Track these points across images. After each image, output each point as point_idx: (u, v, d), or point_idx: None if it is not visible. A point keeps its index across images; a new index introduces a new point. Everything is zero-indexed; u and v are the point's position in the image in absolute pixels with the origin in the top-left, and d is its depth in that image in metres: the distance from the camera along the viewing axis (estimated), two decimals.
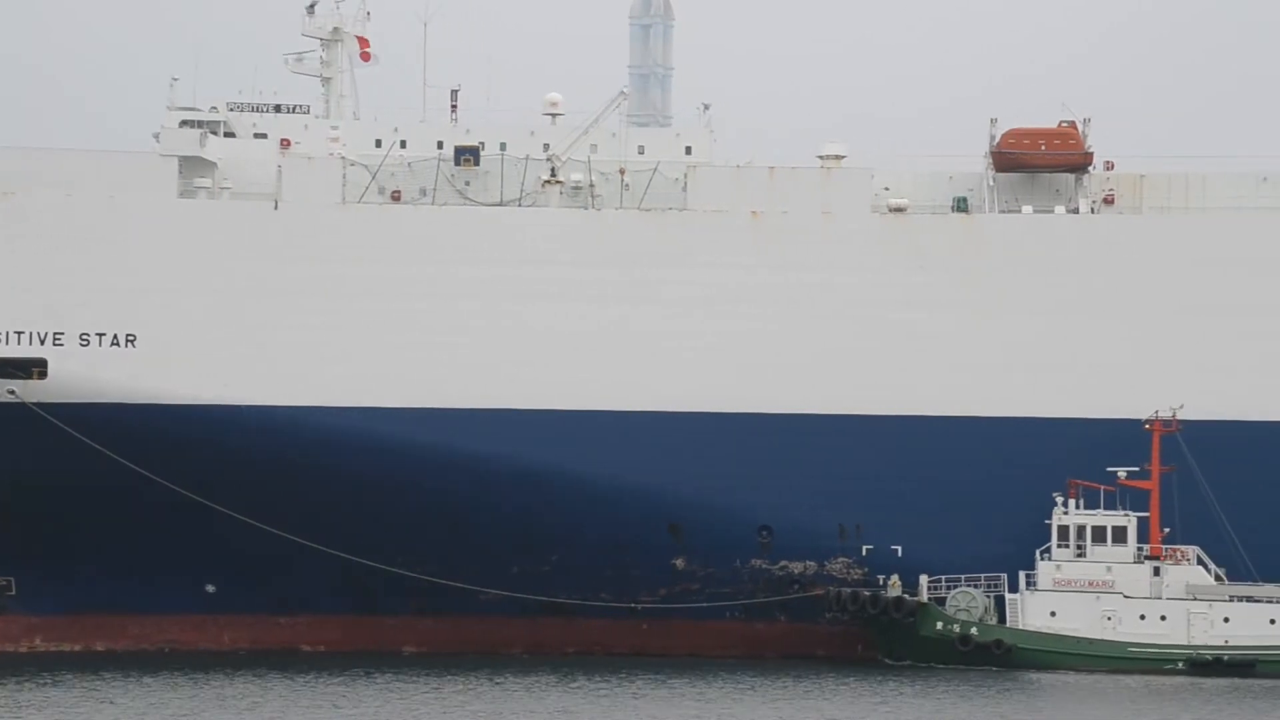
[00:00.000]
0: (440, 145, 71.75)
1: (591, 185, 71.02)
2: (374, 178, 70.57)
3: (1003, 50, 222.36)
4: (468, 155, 70.99)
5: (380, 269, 69.57)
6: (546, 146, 71.59)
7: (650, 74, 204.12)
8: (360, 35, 74.27)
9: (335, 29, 74.18)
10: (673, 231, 70.40)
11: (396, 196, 70.96)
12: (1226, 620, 65.21)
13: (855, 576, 69.46)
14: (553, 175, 70.86)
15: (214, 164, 70.35)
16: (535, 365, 69.54)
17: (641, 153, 72.03)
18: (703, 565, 69.77)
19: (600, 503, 69.27)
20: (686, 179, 70.85)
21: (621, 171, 71.20)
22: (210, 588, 69.64)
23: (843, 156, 72.05)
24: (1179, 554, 66.50)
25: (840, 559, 69.73)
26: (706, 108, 74.50)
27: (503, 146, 71.68)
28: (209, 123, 71.42)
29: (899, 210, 70.99)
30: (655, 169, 70.94)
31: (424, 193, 71.00)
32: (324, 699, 57.37)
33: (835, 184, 70.66)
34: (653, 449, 69.30)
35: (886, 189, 71.72)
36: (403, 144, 71.94)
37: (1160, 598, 65.96)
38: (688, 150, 72.53)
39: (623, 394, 69.48)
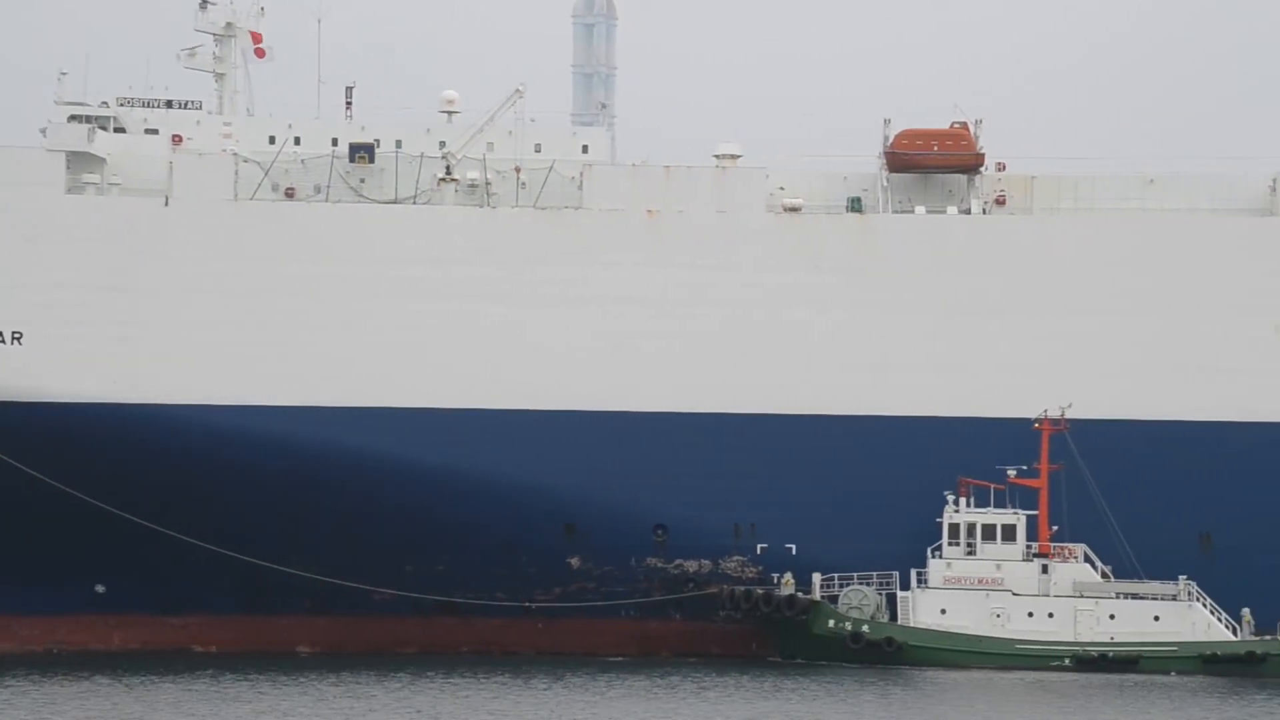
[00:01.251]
0: (335, 142, 71.38)
1: (488, 183, 70.88)
2: (266, 174, 70.10)
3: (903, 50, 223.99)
4: (362, 152, 70.66)
5: (272, 266, 69.11)
6: (443, 144, 71.42)
7: (594, 73, 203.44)
8: (254, 31, 73.76)
9: (228, 24, 73.62)
10: (568, 230, 70.40)
11: (290, 194, 70.53)
12: (1112, 617, 65.99)
13: (750, 575, 69.77)
14: (448, 173, 70.66)
15: (103, 159, 69.64)
16: (429, 364, 69.34)
17: (538, 151, 71.98)
18: (598, 564, 69.83)
19: (495, 502, 69.17)
20: (582, 178, 70.90)
21: (517, 170, 71.09)
22: (100, 588, 68.95)
23: (738, 156, 72.38)
24: (1067, 552, 67.25)
25: (735, 557, 70.01)
26: (604, 106, 74.64)
27: (398, 144, 71.40)
28: (98, 118, 70.67)
29: (794, 210, 71.36)
30: (551, 167, 70.90)
31: (318, 190, 70.62)
32: (210, 700, 56.97)
33: (730, 183, 70.94)
34: (547, 448, 69.29)
35: (782, 189, 72.08)
36: (297, 141, 71.54)
37: (1048, 595, 66.68)
38: (585, 149, 72.57)
39: (517, 393, 69.41)
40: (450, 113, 72.90)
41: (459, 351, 69.51)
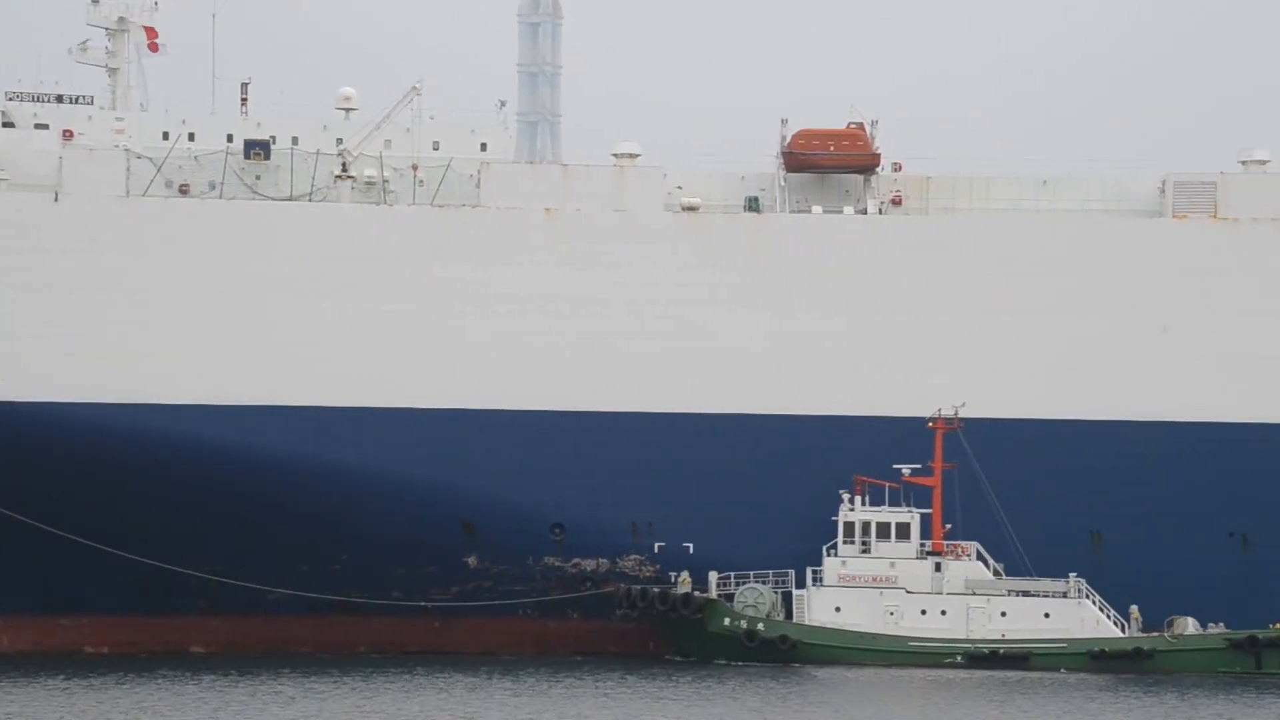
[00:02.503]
0: (230, 138, 70.83)
1: (385, 181, 70.54)
2: (160, 170, 69.43)
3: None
4: (258, 149, 70.15)
5: (165, 263, 68.48)
6: (339, 141, 71.03)
7: (539, 72, 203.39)
8: (148, 25, 73.05)
9: (121, 18, 72.86)
10: (465, 228, 70.21)
11: (184, 190, 69.91)
12: (1003, 614, 66.59)
13: (647, 574, 69.88)
14: (344, 170, 70.28)
15: None
16: (324, 361, 68.94)
17: (436, 149, 71.74)
18: (495, 563, 69.71)
19: (392, 500, 68.87)
20: (480, 176, 70.71)
21: (414, 167, 70.82)
22: None
23: (637, 155, 72.49)
24: (959, 550, 67.81)
25: (632, 556, 70.09)
26: (503, 104, 74.48)
27: (294, 140, 70.96)
28: None
29: (692, 209, 71.53)
30: (449, 165, 70.67)
31: (212, 186, 70.04)
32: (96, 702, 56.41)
33: (629, 182, 71.02)
34: (445, 446, 69.09)
35: (680, 188, 72.23)
36: (191, 136, 70.91)
37: (941, 593, 67.22)
38: (483, 147, 72.41)
39: (414, 391, 69.16)
40: (348, 110, 72.51)
41: (355, 349, 69.15)
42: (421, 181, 70.69)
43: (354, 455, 68.54)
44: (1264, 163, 70.97)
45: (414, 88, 71.66)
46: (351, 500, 68.52)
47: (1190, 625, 66.11)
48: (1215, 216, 70.25)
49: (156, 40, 72.84)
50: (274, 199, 69.87)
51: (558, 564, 69.96)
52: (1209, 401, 69.23)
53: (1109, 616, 66.78)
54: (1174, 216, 70.51)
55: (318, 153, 70.28)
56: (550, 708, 55.70)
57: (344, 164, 70.12)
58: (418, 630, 69.50)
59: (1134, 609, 67.13)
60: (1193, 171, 70.74)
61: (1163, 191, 71.18)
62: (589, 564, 69.96)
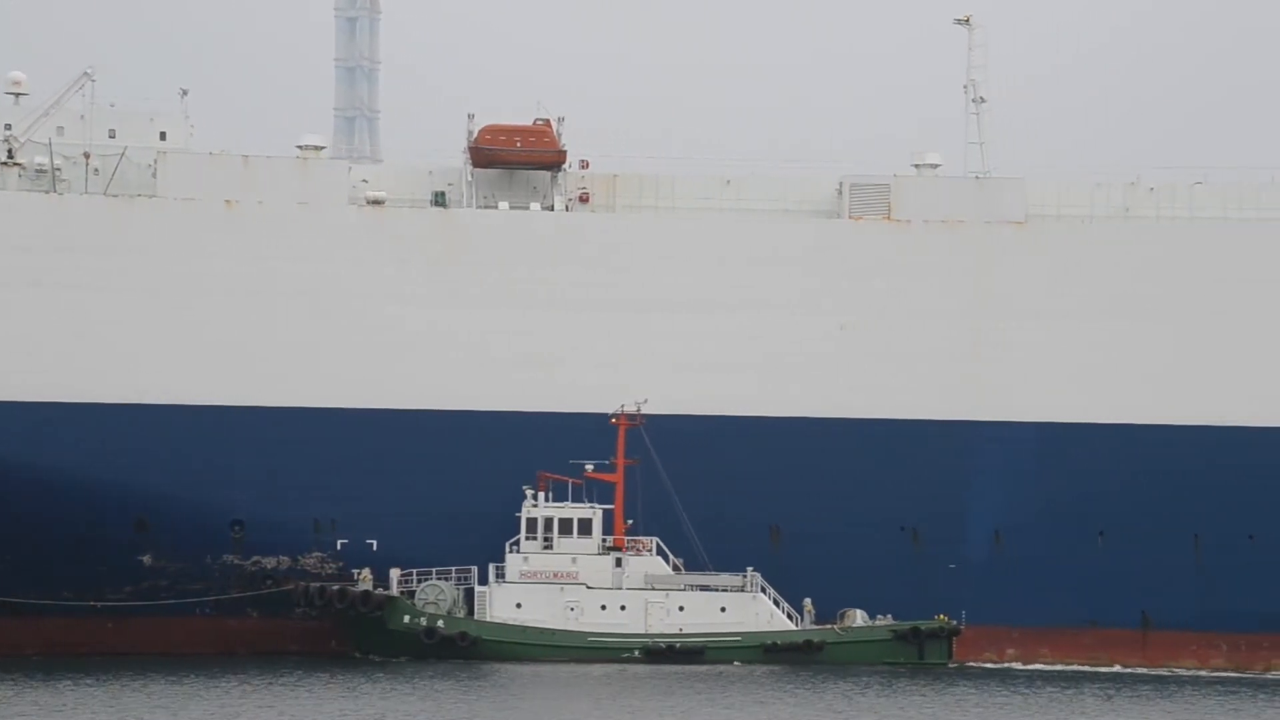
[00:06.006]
0: None
1: (56, 169, 68.41)
2: None
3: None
4: None
5: None
6: (8, 127, 68.81)
7: (356, 68, 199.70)
8: None
9: None
10: (141, 219, 68.56)
11: None
12: (681, 609, 67.26)
13: (330, 571, 69.05)
14: (10, 157, 68.03)
15: None
16: None
17: (112, 137, 69.96)
18: (172, 561, 68.28)
19: (61, 496, 66.90)
20: (157, 165, 69.08)
21: (87, 156, 68.88)
22: None
23: (322, 148, 71.58)
24: (640, 545, 68.34)
25: (315, 553, 69.21)
26: (185, 93, 72.88)
27: None
28: None
29: (377, 203, 70.84)
30: (123, 154, 68.86)
31: None
32: None
33: (312, 175, 70.07)
34: (117, 441, 67.42)
35: (365, 181, 71.52)
36: None
37: (621, 588, 67.65)
38: (163, 136, 70.77)
39: (83, 384, 67.34)
40: (17, 94, 70.33)
41: (21, 341, 66.99)
42: (96, 170, 68.77)
43: (20, 449, 66.34)
44: (935, 166, 72.91)
45: (85, 73, 69.65)
46: (18, 495, 66.32)
47: (859, 617, 67.58)
48: (889, 218, 71.98)
49: None
50: None
51: (237, 562, 68.74)
52: (885, 399, 70.81)
53: (783, 610, 67.96)
54: (850, 218, 72.06)
55: None
56: (187, 709, 54.47)
57: (9, 150, 67.87)
58: (90, 631, 67.68)
59: (807, 602, 68.37)
60: (868, 174, 72.35)
61: (840, 193, 72.69)
62: (269, 562, 68.88)
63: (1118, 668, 69.41)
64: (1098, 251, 71.15)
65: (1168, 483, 69.76)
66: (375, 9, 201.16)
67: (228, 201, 69.16)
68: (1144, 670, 69.16)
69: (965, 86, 72.51)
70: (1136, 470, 69.86)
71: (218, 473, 68.23)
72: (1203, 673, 68.85)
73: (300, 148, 71.22)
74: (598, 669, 64.62)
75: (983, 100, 72.09)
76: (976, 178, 72.00)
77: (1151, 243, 71.13)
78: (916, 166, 72.74)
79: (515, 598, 67.28)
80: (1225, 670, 69.54)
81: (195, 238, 68.70)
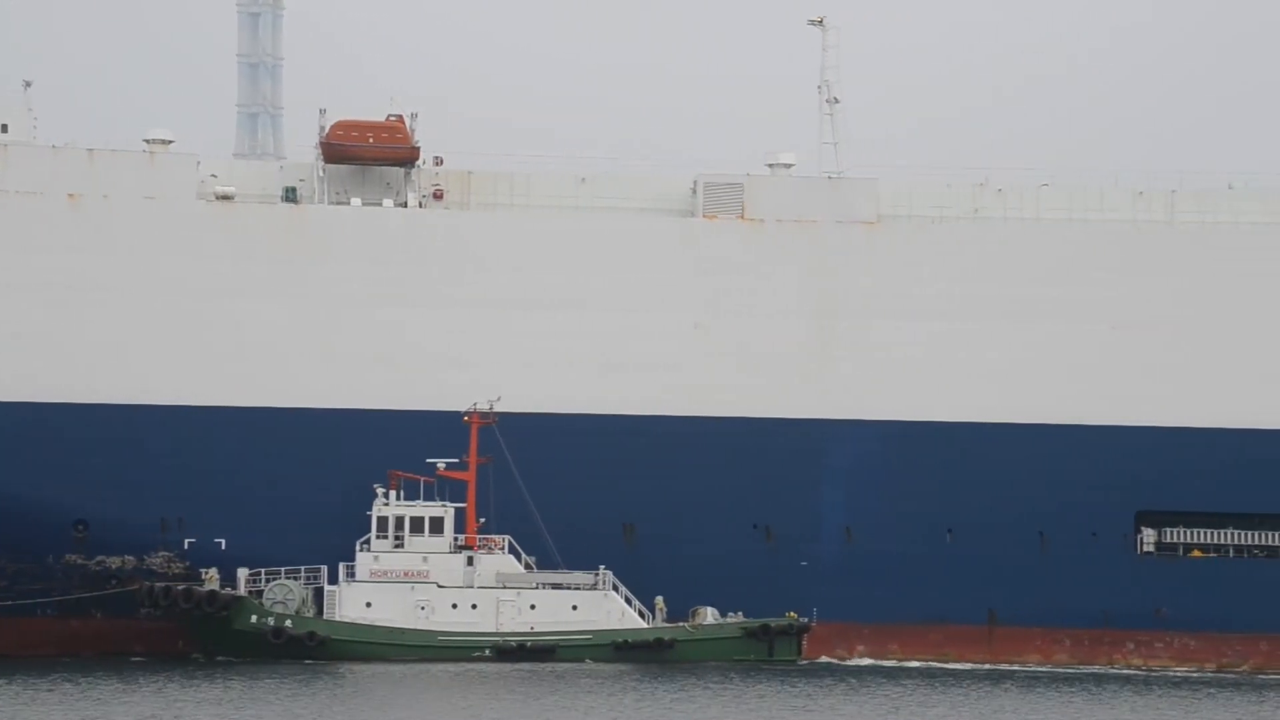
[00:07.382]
0: None
1: None
2: None
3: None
4: None
5: None
6: None
7: (259, 64, 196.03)
8: None
9: None
10: None
11: None
12: (533, 607, 67.01)
13: (177, 570, 68.10)
14: None
15: None
16: None
17: None
18: (12, 561, 67.03)
19: None
20: None
21: None
22: None
23: (170, 141, 70.56)
24: (492, 543, 68.03)
25: (161, 553, 68.25)
26: (28, 85, 71.43)
27: None
28: None
29: (226, 198, 69.96)
30: None
31: None
32: None
33: (160, 169, 69.10)
34: None
35: (214, 176, 70.61)
36: None
37: (472, 586, 67.30)
38: (4, 128, 69.37)
39: None
40: None
41: None
42: None
43: None
44: (789, 165, 73.27)
45: None
46: None
47: (710, 615, 67.74)
48: (743, 217, 72.25)
49: None
50: None
51: (81, 561, 67.61)
52: (738, 398, 71.04)
53: (634, 608, 67.94)
54: (705, 216, 72.24)
55: None
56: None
57: None
58: None
59: (659, 600, 68.39)
60: (722, 173, 72.59)
61: (695, 192, 72.81)
62: (114, 561, 67.81)
63: (967, 665, 70.10)
64: (946, 251, 71.88)
65: (1014, 481, 70.62)
66: (279, 5, 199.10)
67: (70, 195, 67.97)
68: (988, 666, 69.97)
69: (819, 87, 72.96)
70: (984, 468, 70.65)
71: (60, 471, 67.03)
72: (1044, 669, 69.77)
73: (148, 141, 70.17)
74: (448, 668, 64.17)
75: (836, 101, 72.56)
76: (829, 178, 72.46)
77: (998, 242, 72.01)
78: (770, 166, 73.06)
79: (365, 597, 66.68)
80: (1068, 665, 70.57)
81: (37, 232, 67.40)
